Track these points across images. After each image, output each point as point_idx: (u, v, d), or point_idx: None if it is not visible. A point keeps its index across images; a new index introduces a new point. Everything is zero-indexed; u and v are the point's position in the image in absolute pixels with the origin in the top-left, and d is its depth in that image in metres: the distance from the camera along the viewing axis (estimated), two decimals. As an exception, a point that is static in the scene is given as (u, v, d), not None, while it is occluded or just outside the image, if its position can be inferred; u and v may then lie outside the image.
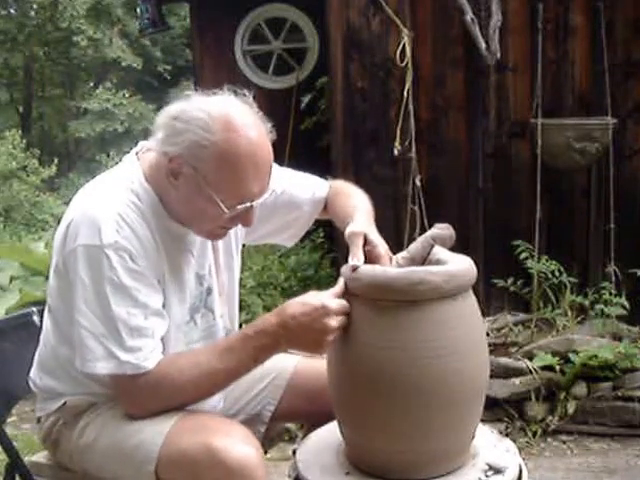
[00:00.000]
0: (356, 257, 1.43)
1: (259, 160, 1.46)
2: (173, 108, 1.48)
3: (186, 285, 1.58)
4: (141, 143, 1.62)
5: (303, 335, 1.41)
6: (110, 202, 1.49)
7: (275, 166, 1.73)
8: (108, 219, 1.45)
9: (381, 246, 1.47)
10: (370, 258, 1.45)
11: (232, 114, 1.44)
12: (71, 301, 1.48)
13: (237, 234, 1.73)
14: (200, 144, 1.42)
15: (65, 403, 1.60)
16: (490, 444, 1.50)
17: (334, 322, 1.39)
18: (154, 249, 1.50)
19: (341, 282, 1.43)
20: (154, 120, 1.51)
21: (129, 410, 1.51)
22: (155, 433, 1.46)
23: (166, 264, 1.53)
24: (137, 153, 1.60)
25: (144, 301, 1.46)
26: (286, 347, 1.45)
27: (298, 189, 1.77)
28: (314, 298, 1.42)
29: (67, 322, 1.53)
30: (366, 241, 1.47)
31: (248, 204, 1.48)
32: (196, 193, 1.46)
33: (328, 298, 1.40)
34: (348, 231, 1.50)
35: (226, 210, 1.46)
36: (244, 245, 1.83)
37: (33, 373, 1.69)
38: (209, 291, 1.65)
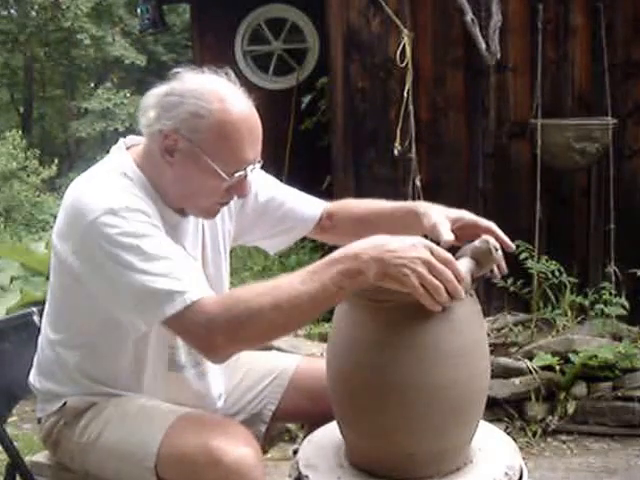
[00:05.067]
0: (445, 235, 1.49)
1: (252, 125, 1.48)
2: (161, 88, 1.49)
3: None
4: (129, 137, 1.61)
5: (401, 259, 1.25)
6: (106, 184, 1.47)
7: (272, 179, 1.78)
8: (111, 190, 1.44)
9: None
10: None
11: (222, 86, 1.48)
12: (103, 279, 1.41)
13: (225, 232, 1.72)
14: (197, 114, 1.43)
15: (65, 404, 1.60)
16: (491, 443, 1.51)
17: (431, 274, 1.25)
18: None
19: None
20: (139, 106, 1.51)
21: (208, 352, 1.37)
22: (155, 431, 1.46)
23: None
24: (126, 146, 1.58)
25: (175, 246, 1.45)
26: (373, 276, 1.27)
27: (296, 202, 1.78)
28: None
29: (75, 315, 1.52)
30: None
31: (247, 169, 1.48)
32: (193, 166, 1.45)
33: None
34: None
35: (226, 177, 1.46)
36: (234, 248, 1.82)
37: (32, 376, 1.69)
38: None
